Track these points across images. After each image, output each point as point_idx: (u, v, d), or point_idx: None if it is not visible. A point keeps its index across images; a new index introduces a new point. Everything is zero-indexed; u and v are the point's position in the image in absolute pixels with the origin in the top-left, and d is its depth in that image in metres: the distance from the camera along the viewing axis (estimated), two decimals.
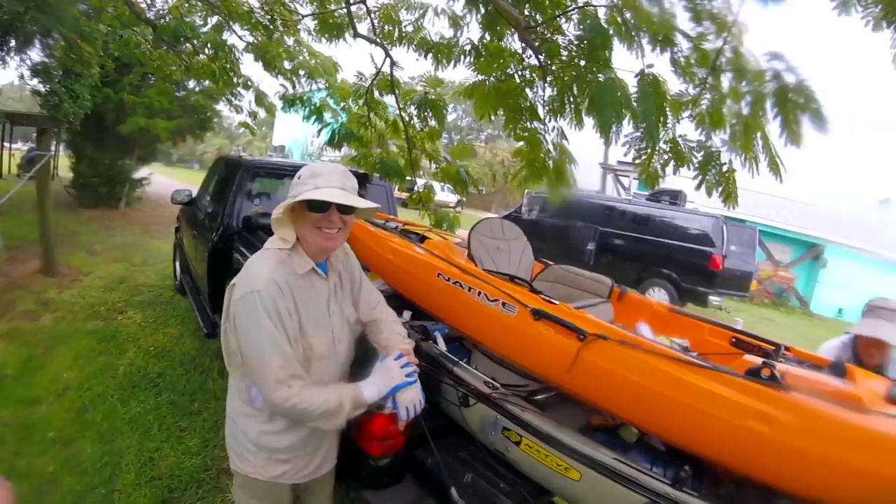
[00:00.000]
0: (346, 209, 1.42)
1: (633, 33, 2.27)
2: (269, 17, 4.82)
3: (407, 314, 2.67)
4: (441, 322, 2.47)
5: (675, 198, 9.78)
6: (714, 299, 9.03)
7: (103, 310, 5.14)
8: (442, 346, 2.32)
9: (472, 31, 3.21)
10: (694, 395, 1.46)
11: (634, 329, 2.26)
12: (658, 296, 9.07)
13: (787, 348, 2.17)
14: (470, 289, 2.17)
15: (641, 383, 1.57)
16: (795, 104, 2.08)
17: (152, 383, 3.71)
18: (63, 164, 13.74)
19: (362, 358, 1.72)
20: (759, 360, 1.51)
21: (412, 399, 1.53)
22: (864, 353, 2.24)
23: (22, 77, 9.95)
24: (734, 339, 2.31)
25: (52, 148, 10.25)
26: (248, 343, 1.37)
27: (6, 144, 18.92)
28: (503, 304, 2.00)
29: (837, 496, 1.29)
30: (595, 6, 2.52)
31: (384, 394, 1.50)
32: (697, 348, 2.31)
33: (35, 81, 10.01)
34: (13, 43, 9.11)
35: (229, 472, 2.60)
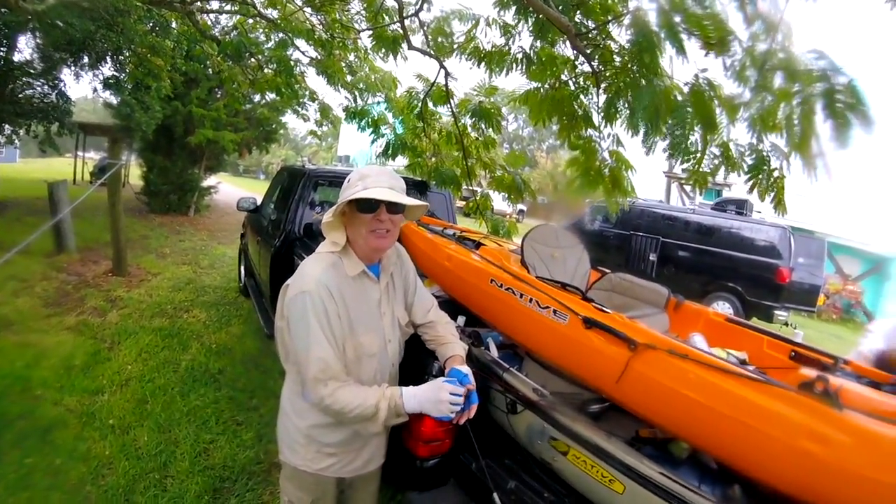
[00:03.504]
0: (394, 209, 1.46)
1: (682, 37, 2.23)
2: (329, 34, 5.00)
3: (461, 319, 2.69)
4: (494, 329, 2.47)
5: (741, 207, 9.32)
6: (780, 314, 8.56)
7: (169, 308, 5.41)
8: (494, 352, 2.31)
9: (526, 41, 3.20)
10: (742, 409, 1.40)
11: (688, 340, 2.19)
12: (722, 310, 8.71)
13: (846, 362, 2.06)
14: (521, 295, 2.15)
15: (689, 395, 1.52)
16: (845, 105, 1.99)
17: (213, 379, 3.87)
18: (134, 173, 14.67)
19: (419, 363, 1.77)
20: (814, 374, 1.43)
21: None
22: None
23: (95, 91, 10.79)
24: (793, 353, 2.21)
25: (124, 157, 10.94)
26: (295, 340, 1.44)
27: (79, 153, 20.43)
28: (554, 311, 1.98)
29: None
30: (644, 10, 2.49)
31: (422, 412, 1.46)
32: (755, 361, 2.22)
33: (107, 94, 10.81)
34: (86, 59, 9.92)
35: (280, 466, 2.71)
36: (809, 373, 1.51)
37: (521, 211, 23.88)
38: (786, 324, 8.60)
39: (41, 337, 4.28)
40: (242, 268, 6.26)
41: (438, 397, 1.42)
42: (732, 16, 2.30)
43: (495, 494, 1.66)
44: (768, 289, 8.62)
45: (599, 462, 1.59)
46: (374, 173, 1.46)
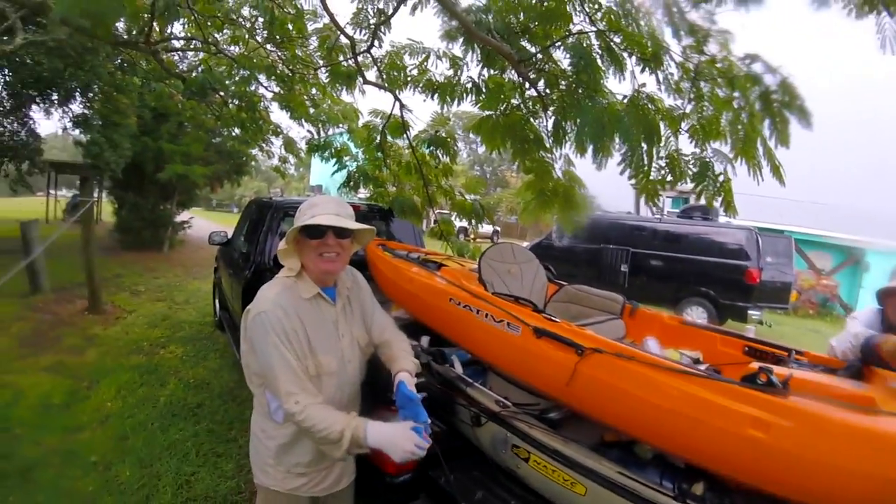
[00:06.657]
0: (341, 234, 1.56)
1: (620, 56, 2.37)
2: (290, 69, 5.12)
3: (425, 340, 2.76)
4: (458, 347, 2.53)
5: (707, 213, 9.54)
6: (754, 314, 8.76)
7: (146, 345, 5.39)
8: (459, 368, 2.39)
9: (475, 71, 3.35)
10: (688, 404, 1.46)
11: (642, 344, 2.26)
12: (696, 314, 8.94)
13: (799, 353, 2.14)
14: (478, 311, 2.24)
15: (636, 394, 1.59)
16: (781, 104, 2.15)
17: (191, 413, 3.88)
18: (106, 210, 14.50)
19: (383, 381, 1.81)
20: (757, 366, 1.49)
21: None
22: (893, 313, 2.20)
23: (65, 129, 10.71)
24: (746, 348, 2.29)
25: (95, 194, 10.79)
26: (261, 359, 1.51)
27: (51, 192, 20.16)
28: (508, 324, 2.07)
29: (837, 501, 1.25)
30: (587, 32, 2.63)
31: (381, 449, 1.44)
32: (709, 359, 2.29)
33: (77, 132, 10.72)
34: (55, 97, 9.91)
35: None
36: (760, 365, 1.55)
37: (495, 231, 24.32)
38: (760, 322, 8.81)
39: (18, 377, 4.27)
40: (217, 301, 6.24)
41: (402, 442, 1.42)
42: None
43: None
44: (740, 290, 8.82)
45: (559, 466, 1.66)
46: (322, 202, 1.58)
